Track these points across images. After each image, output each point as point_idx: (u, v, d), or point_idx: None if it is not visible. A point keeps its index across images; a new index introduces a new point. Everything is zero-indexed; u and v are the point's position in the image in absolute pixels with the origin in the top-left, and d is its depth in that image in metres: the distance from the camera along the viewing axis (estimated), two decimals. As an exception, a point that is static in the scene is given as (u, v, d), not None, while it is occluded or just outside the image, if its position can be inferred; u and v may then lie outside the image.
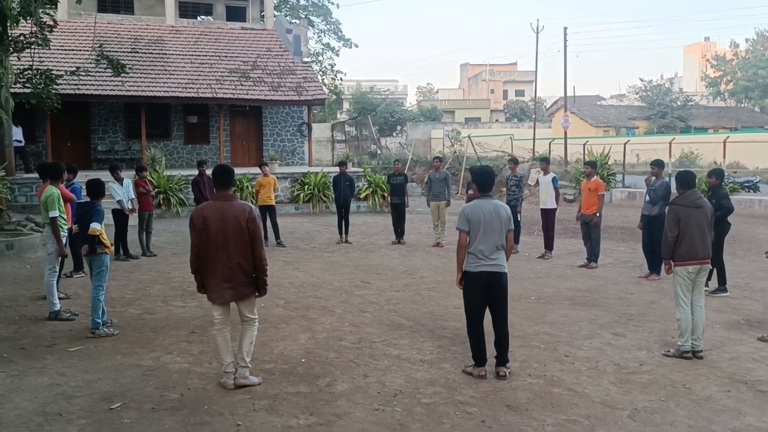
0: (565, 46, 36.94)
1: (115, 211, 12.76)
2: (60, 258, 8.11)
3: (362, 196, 22.00)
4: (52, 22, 12.53)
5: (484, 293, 6.27)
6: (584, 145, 27.26)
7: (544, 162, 13.50)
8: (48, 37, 14.67)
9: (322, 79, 52.52)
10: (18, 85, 12.23)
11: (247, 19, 33.01)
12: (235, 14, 33.16)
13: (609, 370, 6.47)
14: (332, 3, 49.70)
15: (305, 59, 26.64)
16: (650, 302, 9.39)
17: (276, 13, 31.36)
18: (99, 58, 12.75)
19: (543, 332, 7.83)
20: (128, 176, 13.50)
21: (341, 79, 53.71)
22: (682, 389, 5.96)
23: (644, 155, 28.93)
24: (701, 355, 6.84)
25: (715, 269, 9.83)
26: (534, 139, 41.02)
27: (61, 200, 7.99)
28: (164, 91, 22.51)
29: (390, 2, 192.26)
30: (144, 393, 5.71)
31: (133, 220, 13.41)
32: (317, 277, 11.26)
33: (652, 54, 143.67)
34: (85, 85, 21.23)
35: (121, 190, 12.82)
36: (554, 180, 13.01)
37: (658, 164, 10.88)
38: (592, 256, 12.14)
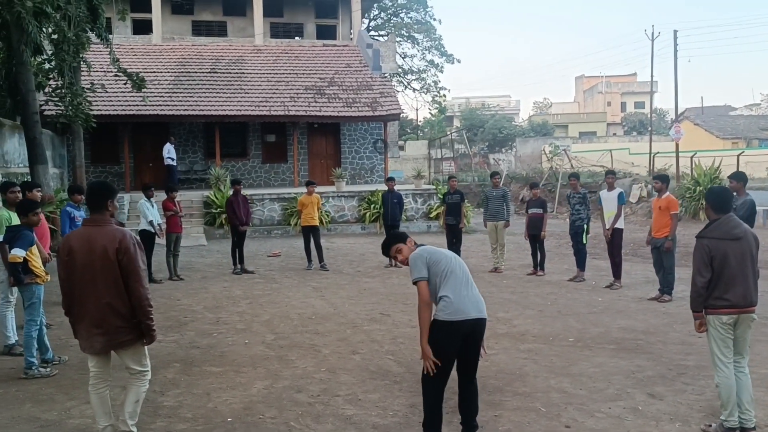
0: (675, 51, 33.87)
1: (143, 232, 12.21)
2: (13, 287, 7.37)
3: (433, 215, 20.64)
4: (84, 41, 12.31)
5: (459, 345, 4.82)
6: (692, 157, 24.37)
7: (611, 176, 11.60)
8: (116, 57, 14.62)
9: (433, 97, 51.70)
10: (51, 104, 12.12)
11: (337, 36, 32.60)
12: (326, 33, 32.87)
13: (615, 451, 4.82)
14: (435, 19, 48.77)
15: (385, 74, 25.67)
16: (718, 350, 7.44)
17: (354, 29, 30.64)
18: (118, 73, 12.36)
19: (557, 388, 6.21)
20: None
21: (444, 95, 52.55)
22: (704, 491, 4.23)
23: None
24: (753, 435, 5.01)
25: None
26: (650, 153, 37.88)
27: (13, 223, 7.24)
28: (237, 110, 22.22)
29: (493, 16, 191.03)
30: (5, 459, 4.73)
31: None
32: (336, 307, 10.08)
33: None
34: (160, 105, 21.37)
35: (152, 210, 12.36)
36: (620, 196, 11.10)
37: (737, 177, 8.83)
38: (665, 287, 10.19)
